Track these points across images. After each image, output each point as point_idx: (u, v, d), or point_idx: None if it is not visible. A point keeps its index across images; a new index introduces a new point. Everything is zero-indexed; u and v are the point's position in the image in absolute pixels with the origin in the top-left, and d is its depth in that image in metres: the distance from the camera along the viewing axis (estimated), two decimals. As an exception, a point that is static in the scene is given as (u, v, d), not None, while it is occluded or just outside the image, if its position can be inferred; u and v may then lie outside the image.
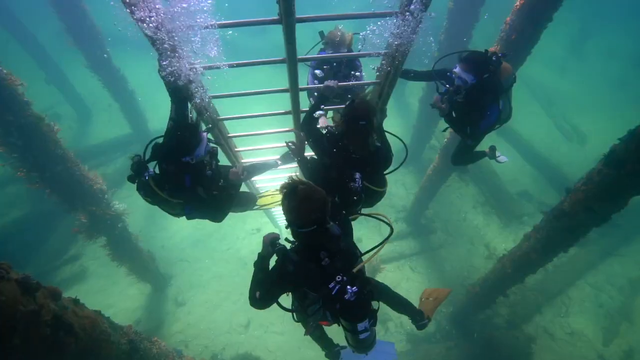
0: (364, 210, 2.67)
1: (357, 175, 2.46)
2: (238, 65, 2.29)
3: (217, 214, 2.93)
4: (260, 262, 2.28)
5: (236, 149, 3.77)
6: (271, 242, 2.24)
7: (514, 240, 9.55)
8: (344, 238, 2.13)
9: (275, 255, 2.20)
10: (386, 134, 2.85)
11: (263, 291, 2.19)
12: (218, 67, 2.23)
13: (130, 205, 7.39)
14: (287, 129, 3.47)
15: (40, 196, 5.75)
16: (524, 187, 11.29)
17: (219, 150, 2.99)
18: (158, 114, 12.69)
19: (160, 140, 2.62)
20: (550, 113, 14.91)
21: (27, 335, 2.29)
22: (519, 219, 10.21)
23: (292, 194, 1.91)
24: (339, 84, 2.73)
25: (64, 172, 5.68)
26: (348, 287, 1.92)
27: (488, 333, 7.28)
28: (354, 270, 2.00)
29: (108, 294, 8.57)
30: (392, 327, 8.12)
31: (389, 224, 2.26)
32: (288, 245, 2.20)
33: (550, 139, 13.57)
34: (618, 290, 8.80)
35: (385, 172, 2.83)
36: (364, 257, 2.24)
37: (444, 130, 3.82)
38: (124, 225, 7.06)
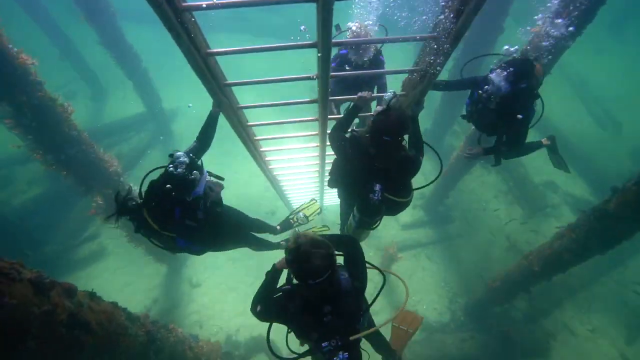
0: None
1: (377, 187, 2.28)
2: (263, 50, 2.00)
3: (215, 240, 2.82)
4: (272, 274, 2.36)
5: (255, 138, 3.54)
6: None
7: (536, 233, 9.20)
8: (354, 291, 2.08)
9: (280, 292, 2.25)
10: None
11: (263, 308, 2.25)
12: (244, 52, 1.95)
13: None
14: (310, 118, 3.20)
15: (59, 175, 5.72)
16: (550, 176, 10.71)
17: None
18: (172, 93, 12.51)
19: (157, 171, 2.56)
20: (583, 99, 13.96)
21: (42, 337, 2.20)
22: (542, 211, 9.77)
23: (293, 250, 1.87)
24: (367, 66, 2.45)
25: (80, 154, 5.59)
26: (340, 352, 1.90)
27: (505, 327, 7.10)
28: (351, 338, 1.93)
29: (126, 272, 8.72)
30: (405, 316, 8.05)
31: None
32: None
33: (582, 126, 12.75)
34: (646, 289, 8.43)
35: (415, 189, 2.67)
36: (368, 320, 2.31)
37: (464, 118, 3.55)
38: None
